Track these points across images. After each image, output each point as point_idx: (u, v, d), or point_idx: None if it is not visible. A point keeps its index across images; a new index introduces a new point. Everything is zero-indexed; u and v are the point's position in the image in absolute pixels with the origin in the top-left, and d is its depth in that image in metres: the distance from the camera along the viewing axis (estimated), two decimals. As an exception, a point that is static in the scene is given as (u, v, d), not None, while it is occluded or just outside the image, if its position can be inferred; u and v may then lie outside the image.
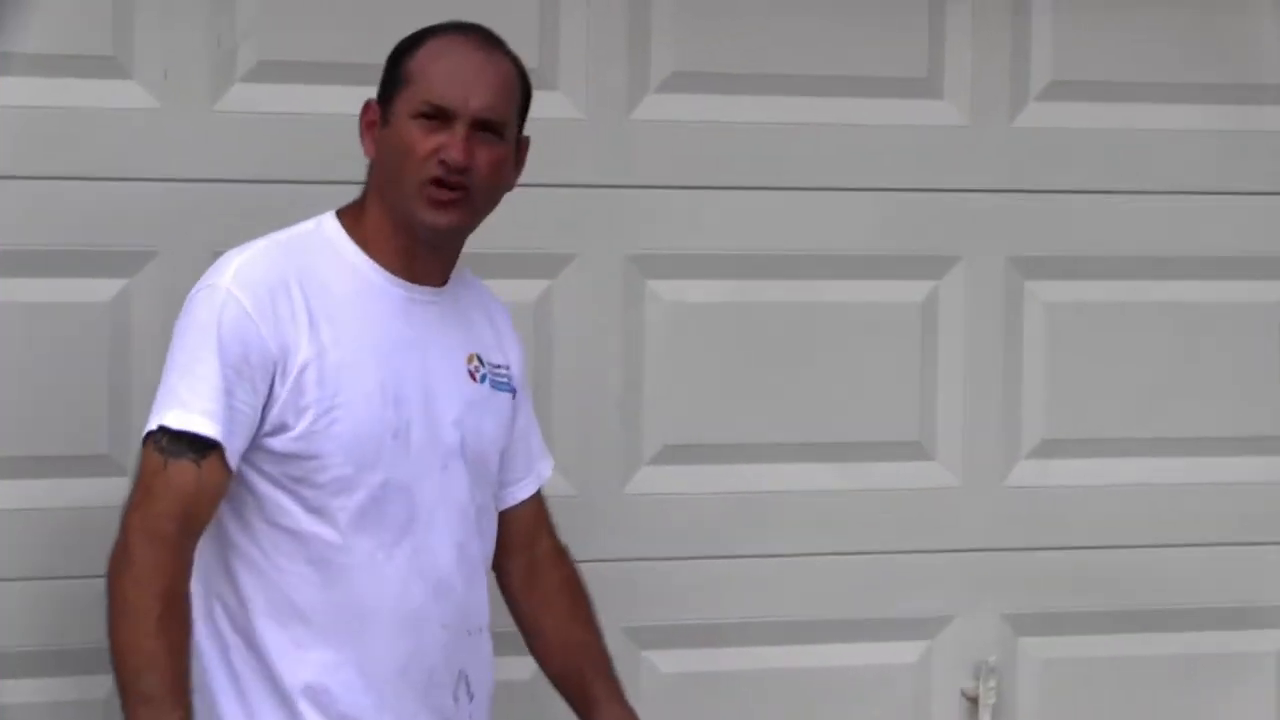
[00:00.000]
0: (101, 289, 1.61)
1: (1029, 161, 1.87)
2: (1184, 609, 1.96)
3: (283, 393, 1.45)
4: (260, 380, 1.44)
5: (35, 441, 1.63)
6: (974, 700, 1.91)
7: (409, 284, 1.52)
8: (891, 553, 1.90)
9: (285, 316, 1.45)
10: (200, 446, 1.40)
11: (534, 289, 1.82)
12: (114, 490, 1.55)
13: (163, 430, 1.40)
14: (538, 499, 1.69)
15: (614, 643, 1.79)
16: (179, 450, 1.40)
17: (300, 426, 1.44)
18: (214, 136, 1.63)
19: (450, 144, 1.44)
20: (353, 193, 1.47)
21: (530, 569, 1.68)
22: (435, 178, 1.44)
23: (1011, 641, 1.94)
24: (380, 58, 1.45)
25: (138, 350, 1.66)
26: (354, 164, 1.48)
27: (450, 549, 1.54)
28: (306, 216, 1.52)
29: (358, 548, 1.49)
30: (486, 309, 1.67)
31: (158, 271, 1.56)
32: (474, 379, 1.61)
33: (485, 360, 1.61)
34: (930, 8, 1.85)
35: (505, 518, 1.66)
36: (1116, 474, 1.94)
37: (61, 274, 1.65)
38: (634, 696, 1.78)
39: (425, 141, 1.44)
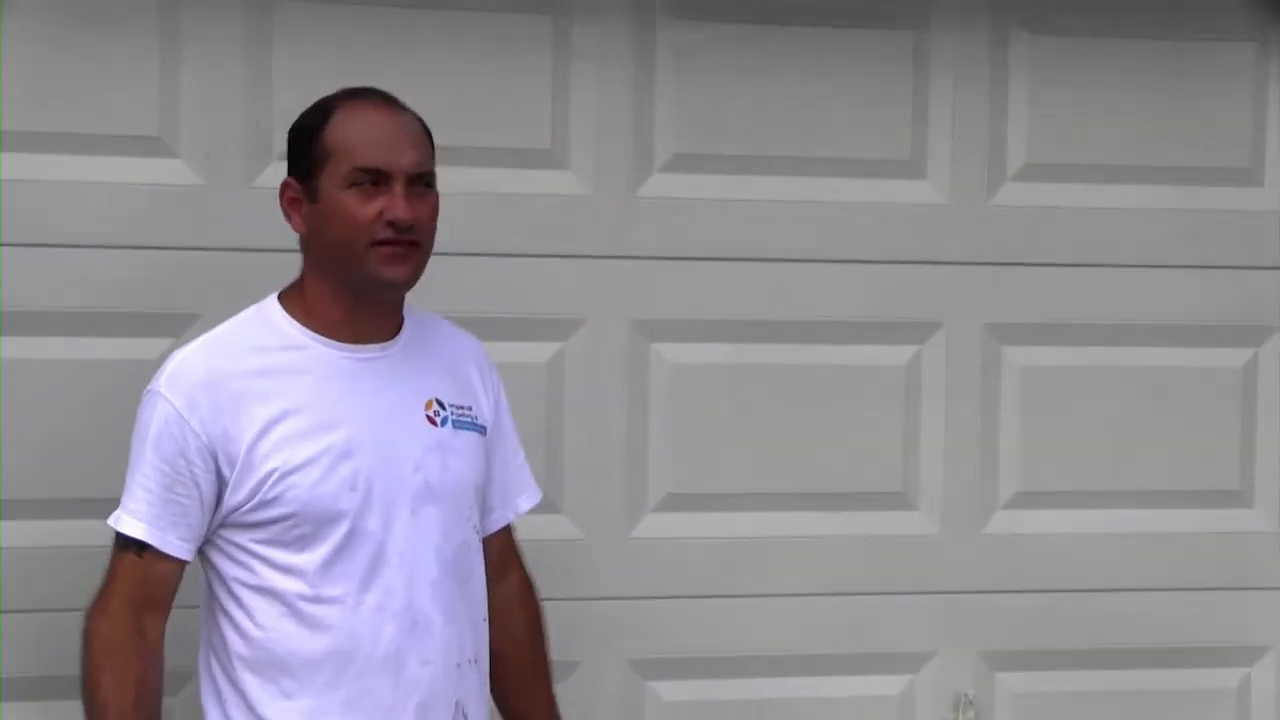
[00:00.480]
0: (151, 347, 1.68)
1: (1005, 237, 1.96)
2: (1148, 648, 2.03)
3: (232, 474, 1.49)
4: (201, 471, 1.49)
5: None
6: None
7: (354, 345, 1.54)
8: (877, 594, 1.99)
9: (215, 406, 1.49)
10: (137, 544, 1.49)
11: (546, 351, 1.91)
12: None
13: (115, 530, 1.50)
14: (507, 532, 1.70)
15: (620, 675, 1.95)
16: (125, 544, 1.50)
17: (257, 498, 1.49)
18: (252, 210, 1.70)
19: (392, 204, 1.46)
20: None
21: (500, 600, 1.68)
22: (381, 239, 1.46)
23: (988, 676, 2.01)
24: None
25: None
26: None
27: (425, 587, 1.54)
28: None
29: (326, 596, 1.51)
30: (453, 355, 1.67)
31: (200, 331, 1.61)
32: (434, 423, 1.60)
33: (446, 404, 1.60)
34: (914, 96, 1.94)
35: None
36: (1086, 524, 2.02)
37: (113, 334, 1.75)
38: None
39: (365, 208, 1.45)
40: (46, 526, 1.76)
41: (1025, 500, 1.99)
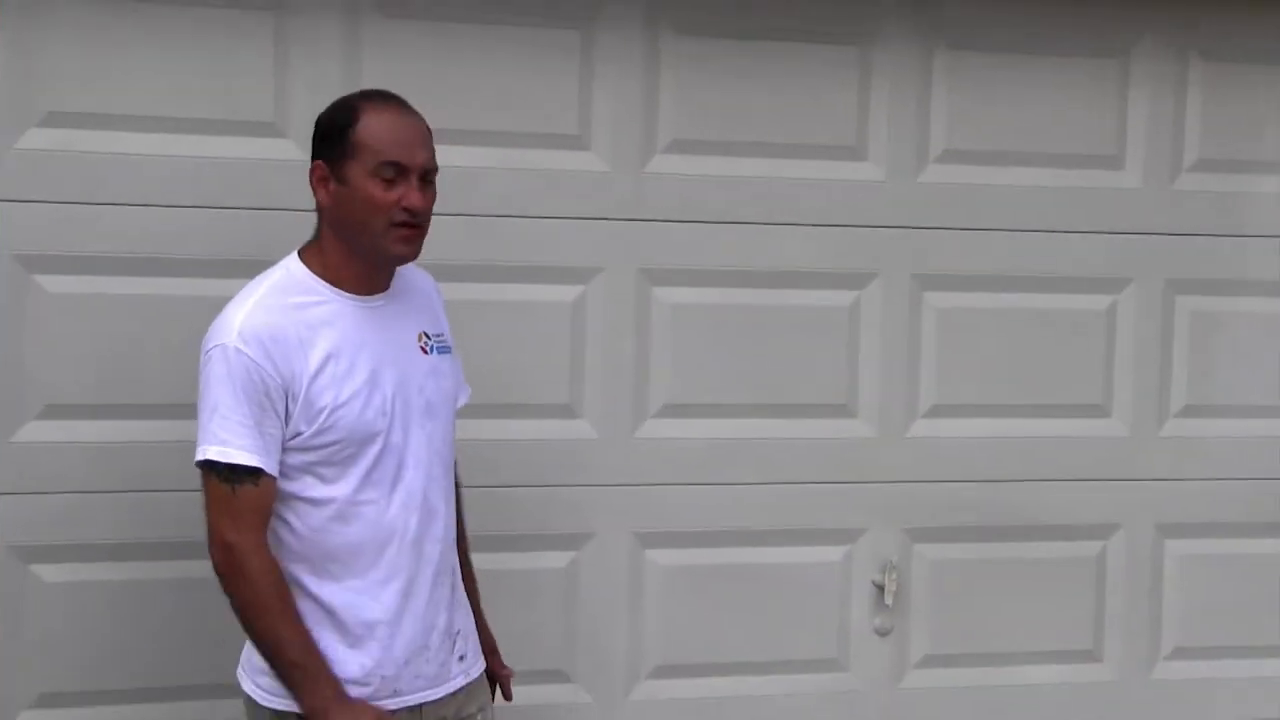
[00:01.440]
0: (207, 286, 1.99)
1: (928, 207, 2.40)
2: (1029, 526, 2.51)
3: (296, 408, 1.71)
4: (279, 406, 1.70)
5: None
6: (881, 588, 2.43)
7: (365, 297, 1.77)
8: (824, 483, 2.42)
9: (283, 353, 1.70)
10: (252, 471, 1.68)
11: (573, 292, 2.32)
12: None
13: (215, 465, 1.66)
14: None
15: (625, 544, 2.38)
16: (238, 478, 1.69)
17: (315, 427, 1.72)
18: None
19: (408, 194, 1.69)
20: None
21: None
22: (401, 222, 1.70)
23: (909, 547, 2.47)
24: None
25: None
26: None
27: (432, 483, 1.81)
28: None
29: (364, 499, 1.75)
30: (421, 292, 1.89)
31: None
32: (425, 352, 1.85)
33: (430, 335, 1.87)
34: (858, 96, 2.35)
35: None
36: (986, 430, 2.47)
37: (180, 275, 2.04)
38: (638, 586, 2.35)
39: (387, 195, 1.68)
40: (117, 425, 2.09)
41: (940, 411, 2.45)
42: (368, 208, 1.68)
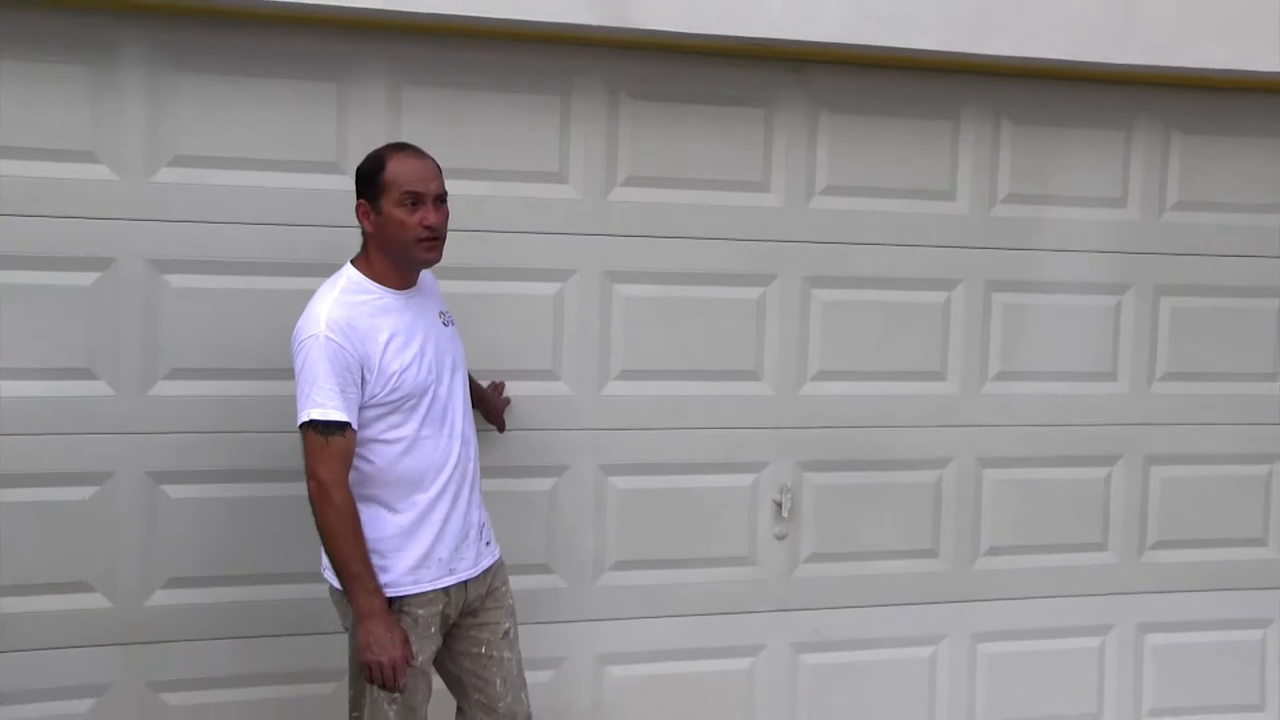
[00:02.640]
0: (279, 283, 2.71)
1: (816, 226, 2.98)
2: (887, 460, 3.09)
3: (371, 377, 2.11)
4: (357, 377, 2.09)
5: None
6: (779, 505, 3.00)
7: (403, 291, 2.20)
8: (740, 428, 2.98)
9: (358, 338, 2.09)
10: (341, 425, 2.06)
11: (553, 288, 2.86)
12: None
13: (315, 422, 2.04)
14: None
15: (592, 473, 2.90)
16: (331, 430, 2.05)
17: (387, 388, 2.12)
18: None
19: (426, 215, 2.13)
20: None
21: None
22: (424, 237, 2.13)
23: (799, 475, 3.04)
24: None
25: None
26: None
27: (464, 421, 2.27)
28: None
29: (423, 436, 2.18)
30: (430, 284, 2.31)
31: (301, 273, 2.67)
32: (444, 325, 2.29)
33: (444, 313, 2.31)
34: (764, 146, 2.92)
35: None
36: (856, 389, 3.05)
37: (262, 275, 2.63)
38: (603, 503, 2.87)
39: (412, 217, 2.13)
40: (223, 384, 2.66)
41: (822, 375, 3.04)
42: (400, 229, 2.13)
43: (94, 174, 2.56)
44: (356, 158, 2.51)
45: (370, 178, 2.16)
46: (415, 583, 2.19)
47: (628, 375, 2.94)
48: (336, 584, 2.18)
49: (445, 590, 2.24)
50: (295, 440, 2.25)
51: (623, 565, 2.96)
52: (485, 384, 2.72)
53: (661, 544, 2.97)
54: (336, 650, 2.59)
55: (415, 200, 2.12)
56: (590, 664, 2.97)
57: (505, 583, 2.43)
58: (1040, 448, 3.21)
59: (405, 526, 2.17)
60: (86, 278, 2.58)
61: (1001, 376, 3.18)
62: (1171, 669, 3.38)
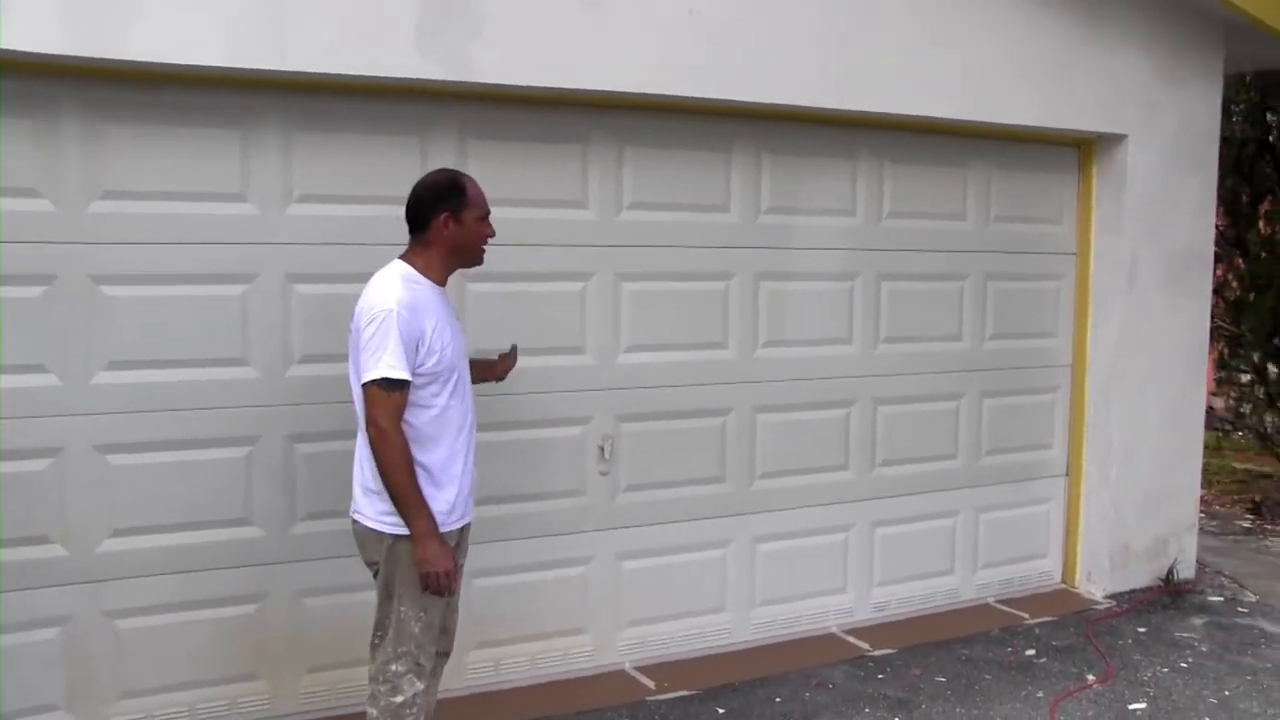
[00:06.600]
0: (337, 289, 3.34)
1: (624, 233, 3.78)
2: (684, 410, 3.93)
3: (423, 349, 2.53)
4: (413, 347, 2.51)
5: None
6: (602, 449, 3.78)
7: (440, 287, 2.68)
8: (569, 391, 3.74)
9: (418, 316, 2.53)
10: (401, 383, 2.49)
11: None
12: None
13: (384, 379, 2.43)
14: None
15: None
16: (393, 387, 2.48)
17: (432, 360, 2.55)
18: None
19: (491, 230, 2.73)
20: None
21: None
22: (486, 245, 2.75)
23: (617, 426, 3.86)
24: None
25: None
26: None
27: (472, 395, 2.72)
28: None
29: (452, 404, 2.62)
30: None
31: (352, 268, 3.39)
32: (458, 319, 2.78)
33: (453, 310, 2.78)
34: (581, 174, 3.68)
35: None
36: (661, 359, 3.88)
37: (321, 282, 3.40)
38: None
39: (486, 230, 2.71)
40: (149, 373, 3.23)
41: (633, 347, 3.86)
42: (476, 238, 2.71)
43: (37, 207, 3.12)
44: (258, 190, 3.22)
45: (455, 195, 2.67)
46: (444, 523, 2.64)
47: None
48: (369, 524, 2.61)
49: (460, 530, 2.75)
50: (217, 414, 3.00)
51: (485, 500, 3.61)
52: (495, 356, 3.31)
53: (504, 482, 3.70)
54: (259, 579, 3.36)
55: (485, 216, 2.72)
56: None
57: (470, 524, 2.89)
58: (797, 397, 4.20)
59: (435, 476, 2.61)
60: (35, 291, 3.14)
61: (768, 344, 4.14)
62: (896, 552, 4.52)
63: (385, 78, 3.27)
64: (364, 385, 2.49)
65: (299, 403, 3.38)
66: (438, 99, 3.48)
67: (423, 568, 2.54)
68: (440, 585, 2.57)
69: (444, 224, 2.63)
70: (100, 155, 3.14)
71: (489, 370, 3.17)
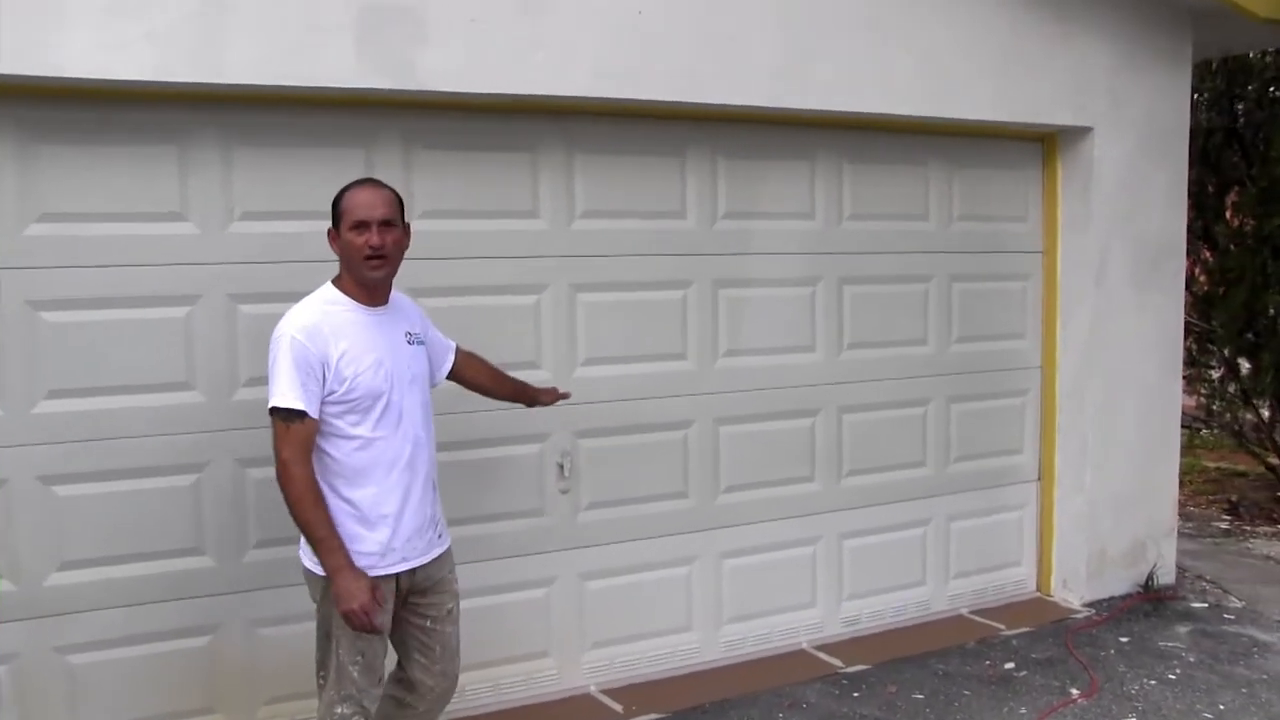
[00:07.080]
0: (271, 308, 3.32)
1: (577, 242, 3.71)
2: (644, 424, 3.85)
3: (330, 376, 2.41)
4: (317, 373, 2.38)
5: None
6: (561, 466, 3.72)
7: (370, 308, 2.52)
8: (523, 408, 3.41)
9: (319, 343, 2.41)
10: (298, 413, 2.35)
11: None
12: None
13: (279, 409, 2.33)
14: (455, 357, 2.88)
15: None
16: (290, 417, 2.35)
17: (343, 388, 2.41)
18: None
19: (370, 238, 2.46)
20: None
21: (471, 368, 2.92)
22: (369, 255, 2.47)
23: (576, 442, 3.77)
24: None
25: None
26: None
27: (418, 425, 2.55)
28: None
29: (378, 435, 2.47)
30: (408, 309, 2.66)
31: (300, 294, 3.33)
32: (409, 344, 2.60)
33: (411, 334, 2.62)
34: (533, 178, 3.61)
35: (452, 372, 2.87)
36: (618, 371, 3.81)
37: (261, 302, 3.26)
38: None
39: (359, 239, 2.47)
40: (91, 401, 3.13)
41: (590, 360, 3.79)
42: (351, 250, 2.51)
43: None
44: (198, 208, 3.12)
45: (334, 208, 2.56)
46: (374, 566, 2.53)
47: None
48: (306, 562, 2.52)
49: (397, 575, 2.60)
50: (163, 440, 2.90)
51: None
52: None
53: (462, 502, 3.54)
54: (213, 609, 3.27)
55: (361, 225, 2.48)
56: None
57: (452, 569, 2.80)
58: (760, 406, 4.13)
59: (364, 514, 2.49)
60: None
61: (729, 354, 4.06)
62: (865, 564, 4.44)
63: (325, 88, 3.20)
64: (269, 414, 2.41)
65: (247, 426, 3.25)
66: (382, 110, 3.43)
67: (339, 605, 2.45)
68: (360, 623, 2.46)
69: (332, 239, 2.56)
70: (35, 176, 3.07)
71: (530, 394, 3.13)
